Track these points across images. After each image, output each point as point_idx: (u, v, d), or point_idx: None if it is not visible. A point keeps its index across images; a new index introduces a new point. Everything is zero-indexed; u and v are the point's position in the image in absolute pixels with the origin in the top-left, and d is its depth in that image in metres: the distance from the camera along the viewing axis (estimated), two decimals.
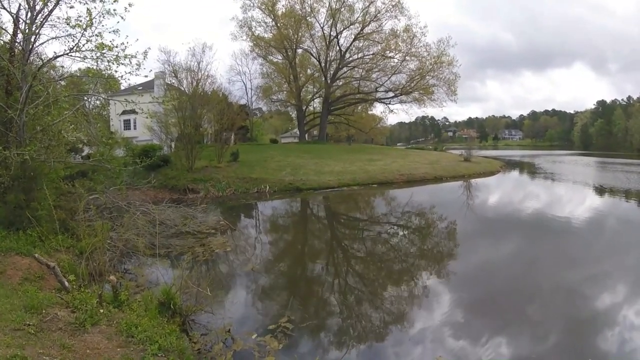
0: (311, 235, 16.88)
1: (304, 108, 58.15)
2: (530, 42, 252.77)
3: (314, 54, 55.53)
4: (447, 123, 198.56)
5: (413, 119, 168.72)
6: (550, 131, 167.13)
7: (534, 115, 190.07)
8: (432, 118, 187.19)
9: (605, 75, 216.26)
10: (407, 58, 50.73)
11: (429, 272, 11.51)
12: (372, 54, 52.56)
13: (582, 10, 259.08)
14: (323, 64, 54.30)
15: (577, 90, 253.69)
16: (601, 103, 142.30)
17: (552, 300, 9.38)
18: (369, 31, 51.27)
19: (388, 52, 50.87)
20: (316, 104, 61.43)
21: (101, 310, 6.15)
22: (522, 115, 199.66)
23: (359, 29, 51.11)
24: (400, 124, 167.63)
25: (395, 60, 51.63)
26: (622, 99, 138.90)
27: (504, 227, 17.52)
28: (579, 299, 9.41)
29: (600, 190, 27.68)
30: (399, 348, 7.25)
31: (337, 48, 53.31)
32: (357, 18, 50.90)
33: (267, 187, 25.42)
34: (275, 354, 6.74)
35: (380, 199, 25.45)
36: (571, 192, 27.54)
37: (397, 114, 72.03)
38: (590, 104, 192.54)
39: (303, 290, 10.18)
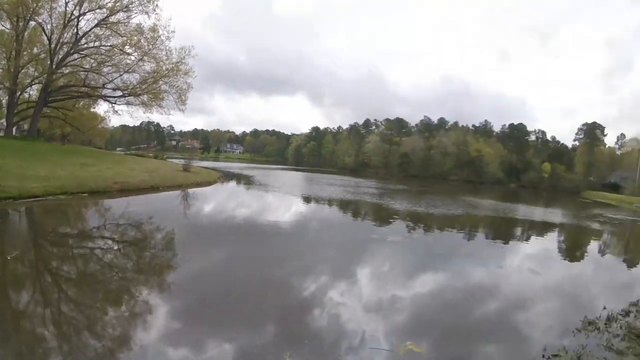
0: (8, 260, 14.06)
1: (17, 94, 49.38)
2: (262, 68, 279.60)
3: (47, 31, 47.84)
4: (172, 132, 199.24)
5: (138, 123, 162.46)
6: (269, 148, 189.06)
7: (255, 132, 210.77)
8: (158, 125, 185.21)
9: (320, 106, 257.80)
10: (146, 58, 48.88)
11: (149, 286, 11.46)
12: (111, 46, 48.68)
13: (311, 50, 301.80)
14: (53, 45, 47.40)
15: (295, 115, 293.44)
16: (315, 129, 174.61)
17: (263, 294, 10.99)
18: (115, 20, 47.73)
19: (128, 47, 48.00)
20: (34, 91, 53.19)
21: None
22: (244, 131, 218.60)
23: (105, 15, 46.99)
24: (124, 126, 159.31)
25: (133, 58, 49.19)
26: (333, 127, 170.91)
27: (219, 234, 19.08)
28: (287, 291, 11.37)
29: (307, 199, 32.98)
30: None
31: (75, 30, 47.70)
32: (106, 3, 46.84)
33: None
34: None
35: (93, 210, 23.55)
36: (282, 201, 31.51)
37: (121, 115, 68.14)
38: (305, 128, 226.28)
39: (8, 327, 8.59)
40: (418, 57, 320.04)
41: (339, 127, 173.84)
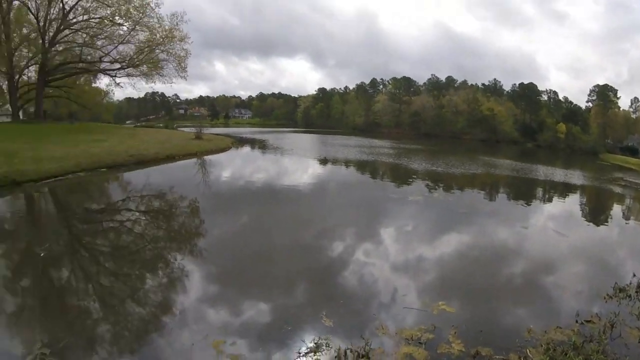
0: (42, 239, 13.97)
1: (16, 77, 47.96)
2: (256, 29, 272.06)
3: (32, 9, 46.44)
4: (178, 100, 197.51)
5: (142, 95, 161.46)
6: (277, 111, 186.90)
7: (261, 96, 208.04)
8: (163, 94, 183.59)
9: (324, 67, 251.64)
10: (137, 28, 48.21)
11: (182, 253, 11.87)
12: (100, 18, 47.54)
13: (304, 8, 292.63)
14: (41, 23, 46.18)
15: (299, 77, 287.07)
16: (322, 90, 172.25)
17: (292, 256, 11.38)
18: None
19: (118, 17, 47.30)
20: (32, 73, 52.01)
21: None
22: (251, 96, 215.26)
23: None
24: (129, 99, 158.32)
25: (125, 29, 48.52)
26: (340, 88, 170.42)
27: (241, 200, 19.33)
28: (315, 252, 11.68)
29: (323, 161, 33.41)
30: (168, 338, 7.37)
31: (61, 5, 46.18)
32: None
33: None
34: None
35: (114, 184, 23.93)
36: (298, 164, 31.84)
37: (124, 88, 68.32)
38: (309, 90, 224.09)
39: (51, 305, 8.90)
40: (418, 11, 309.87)
41: (346, 88, 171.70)
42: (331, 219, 15.65)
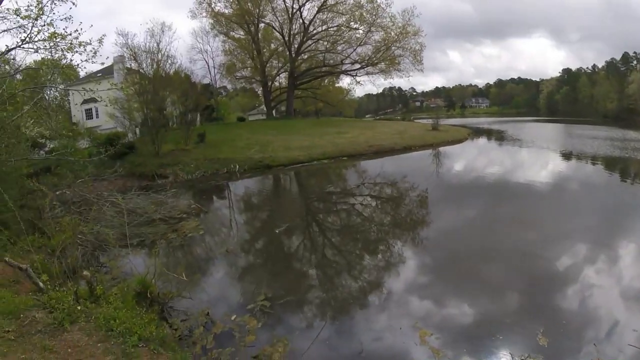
0: (285, 211, 16.77)
1: (269, 84, 56.48)
2: (487, 12, 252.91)
3: (276, 28, 53.62)
4: (414, 93, 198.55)
5: (380, 90, 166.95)
6: (517, 98, 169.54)
7: (500, 83, 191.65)
8: (399, 89, 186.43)
9: (566, 44, 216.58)
10: (372, 29, 49.92)
11: (403, 240, 12.08)
12: (337, 26, 51.35)
13: None
14: (287, 38, 52.78)
15: (538, 58, 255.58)
16: (566, 71, 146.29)
17: (512, 260, 10.08)
18: (332, 2, 49.73)
19: (353, 23, 50.04)
20: (282, 79, 59.66)
21: (78, 307, 6.09)
22: (488, 83, 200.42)
23: (322, 0, 49.56)
24: (368, 95, 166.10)
25: (360, 32, 50.73)
26: (587, 67, 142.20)
27: (470, 193, 18.23)
28: (538, 259, 10.00)
29: (565, 156, 28.71)
30: (377, 317, 7.55)
31: (301, 21, 51.84)
32: None
33: (237, 167, 24.85)
34: (255, 332, 6.88)
35: (352, 171, 25.72)
36: (537, 158, 28.37)
37: (364, 85, 73.47)
38: (552, 72, 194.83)
39: (280, 268, 10.32)
40: None
41: (594, 66, 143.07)
42: (564, 224, 12.92)
